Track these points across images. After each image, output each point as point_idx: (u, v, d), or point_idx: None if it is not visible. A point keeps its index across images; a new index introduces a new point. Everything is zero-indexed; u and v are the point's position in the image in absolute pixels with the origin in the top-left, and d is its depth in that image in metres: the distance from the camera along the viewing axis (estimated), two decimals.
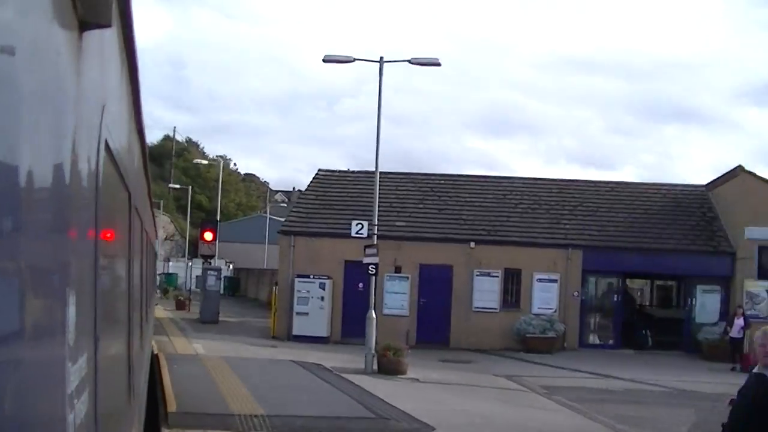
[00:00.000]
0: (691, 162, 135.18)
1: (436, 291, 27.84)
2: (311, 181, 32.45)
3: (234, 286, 59.94)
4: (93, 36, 1.81)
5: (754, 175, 28.27)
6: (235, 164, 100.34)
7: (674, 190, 31.79)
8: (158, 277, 43.79)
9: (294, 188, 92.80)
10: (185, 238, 65.17)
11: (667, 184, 32.81)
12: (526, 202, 30.57)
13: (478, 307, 27.93)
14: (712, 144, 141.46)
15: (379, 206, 22.44)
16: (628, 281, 32.25)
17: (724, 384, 20.13)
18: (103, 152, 2.12)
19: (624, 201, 30.76)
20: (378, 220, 22.38)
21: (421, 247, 27.98)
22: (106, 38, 2.16)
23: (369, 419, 12.89)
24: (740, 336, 24.52)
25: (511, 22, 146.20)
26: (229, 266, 63.53)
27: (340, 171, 34.31)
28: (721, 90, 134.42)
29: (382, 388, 16.44)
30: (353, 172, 34.15)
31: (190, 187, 62.04)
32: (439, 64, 21.53)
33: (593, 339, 28.87)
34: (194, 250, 53.95)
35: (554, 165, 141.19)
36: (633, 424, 14.59)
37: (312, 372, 18.28)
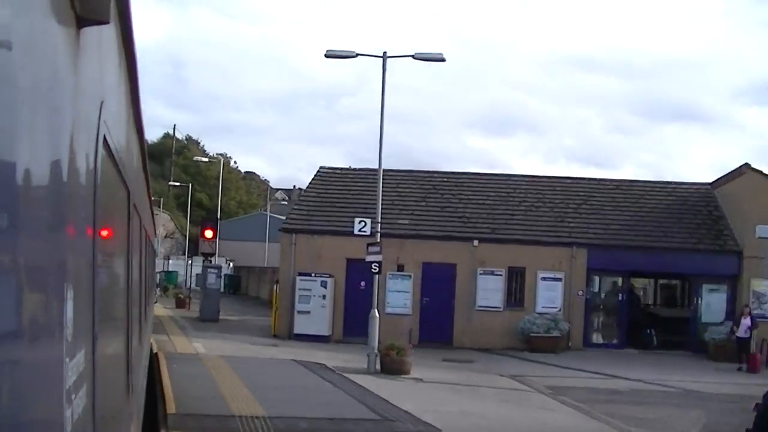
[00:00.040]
0: (691, 161, 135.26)
1: (438, 290, 27.53)
2: (313, 179, 32.12)
3: (234, 285, 59.72)
4: (91, 32, 1.84)
5: (760, 173, 27.97)
6: (235, 162, 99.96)
7: (680, 188, 31.45)
8: (158, 275, 43.58)
9: (294, 186, 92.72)
10: (185, 236, 64.95)
11: (673, 183, 32.42)
12: (530, 200, 30.24)
13: (481, 306, 27.63)
14: (712, 143, 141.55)
15: (381, 204, 22.16)
16: (633, 280, 31.97)
17: (731, 384, 19.99)
18: (101, 149, 2.14)
19: (629, 199, 30.42)
20: (380, 217, 22.10)
21: (423, 246, 27.66)
22: (105, 35, 2.19)
23: (374, 421, 12.60)
24: (747, 336, 24.31)
25: (512, 21, 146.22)
26: (229, 264, 63.31)
27: (341, 168, 33.93)
28: (721, 89, 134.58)
29: (385, 388, 16.19)
30: (355, 169, 33.74)
31: (191, 185, 61.83)
32: (443, 60, 21.24)
33: (598, 338, 28.59)
34: (194, 247, 53.67)
35: (554, 164, 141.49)
36: (644, 426, 14.34)
37: (314, 372, 18.02)
